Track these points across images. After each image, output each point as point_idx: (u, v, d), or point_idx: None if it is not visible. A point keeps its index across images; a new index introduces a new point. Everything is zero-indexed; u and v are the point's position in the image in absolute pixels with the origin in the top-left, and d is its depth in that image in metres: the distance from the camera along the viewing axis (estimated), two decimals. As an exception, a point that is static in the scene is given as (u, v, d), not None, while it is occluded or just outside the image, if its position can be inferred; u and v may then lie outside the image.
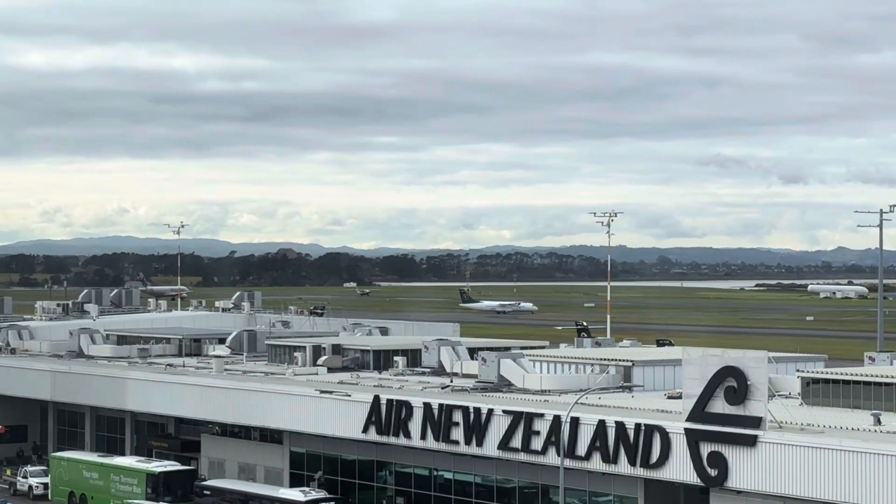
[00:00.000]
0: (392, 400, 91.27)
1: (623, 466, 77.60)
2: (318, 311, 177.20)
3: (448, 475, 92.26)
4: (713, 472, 73.05)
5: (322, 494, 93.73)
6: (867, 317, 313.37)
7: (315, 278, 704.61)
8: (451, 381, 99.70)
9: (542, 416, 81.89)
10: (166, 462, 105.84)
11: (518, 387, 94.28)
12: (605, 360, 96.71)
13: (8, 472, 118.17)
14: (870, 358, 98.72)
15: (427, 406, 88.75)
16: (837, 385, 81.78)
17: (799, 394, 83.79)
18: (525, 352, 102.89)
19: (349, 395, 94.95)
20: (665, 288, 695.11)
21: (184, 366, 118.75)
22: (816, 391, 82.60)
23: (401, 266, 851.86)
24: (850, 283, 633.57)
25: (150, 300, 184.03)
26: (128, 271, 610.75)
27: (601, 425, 78.46)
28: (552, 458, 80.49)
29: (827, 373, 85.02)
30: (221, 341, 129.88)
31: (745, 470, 71.84)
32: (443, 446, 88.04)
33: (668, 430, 75.28)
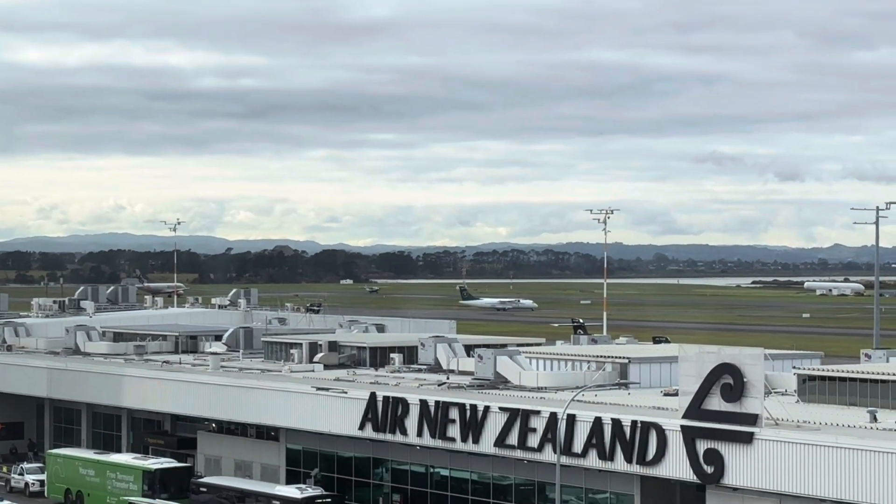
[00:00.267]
0: (388, 397, 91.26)
1: (619, 464, 77.62)
2: (315, 308, 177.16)
3: (444, 472, 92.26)
4: (709, 470, 73.06)
5: (318, 491, 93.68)
6: (863, 314, 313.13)
7: (311, 275, 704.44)
8: (448, 379, 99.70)
9: (538, 413, 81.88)
10: (163, 459, 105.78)
11: (514, 384, 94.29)
12: (601, 357, 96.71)
13: (3, 470, 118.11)
14: (866, 355, 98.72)
15: (423, 403, 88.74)
16: (834, 382, 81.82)
17: (795, 391, 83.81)
18: (521, 349, 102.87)
19: (345, 393, 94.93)
20: (661, 285, 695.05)
21: (180, 363, 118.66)
22: (813, 388, 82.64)
23: (397, 263, 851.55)
24: (846, 281, 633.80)
25: (146, 297, 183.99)
26: (124, 268, 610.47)
27: (597, 422, 78.46)
28: (548, 455, 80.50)
29: (823, 370, 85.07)
30: (218, 338, 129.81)
31: (741, 467, 71.86)
32: (439, 443, 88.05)
33: (664, 428, 75.28)
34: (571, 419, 79.24)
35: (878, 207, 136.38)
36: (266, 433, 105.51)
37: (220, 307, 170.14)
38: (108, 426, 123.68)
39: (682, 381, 75.44)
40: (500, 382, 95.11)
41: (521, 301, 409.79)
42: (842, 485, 67.68)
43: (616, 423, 77.65)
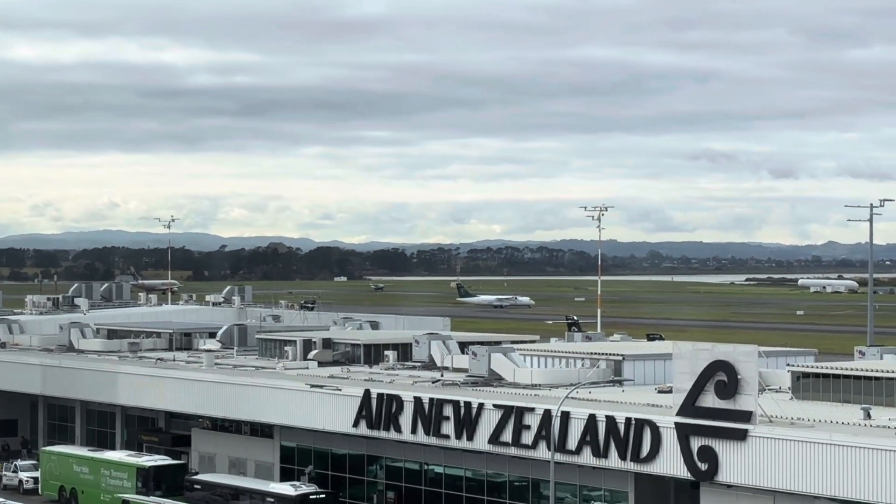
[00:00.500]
0: (382, 394, 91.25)
1: (613, 461, 77.64)
2: (309, 305, 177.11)
3: (438, 469, 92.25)
4: (703, 467, 73.08)
5: (313, 489, 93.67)
6: (857, 311, 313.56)
7: (306, 272, 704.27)
8: (442, 376, 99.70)
9: (532, 410, 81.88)
10: (157, 456, 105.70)
11: (508, 381, 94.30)
12: (595, 354, 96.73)
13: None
14: (860, 352, 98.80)
15: (417, 400, 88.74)
16: (828, 379, 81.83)
17: (789, 388, 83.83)
18: (516, 346, 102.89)
19: (340, 390, 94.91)
20: (655, 282, 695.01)
21: (174, 360, 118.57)
22: (807, 385, 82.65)
23: (391, 260, 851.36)
24: (840, 278, 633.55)
25: (140, 294, 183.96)
26: (118, 265, 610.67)
27: (591, 420, 78.46)
28: (543, 452, 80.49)
29: (817, 367, 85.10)
30: (212, 335, 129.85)
31: (735, 464, 71.88)
32: (433, 440, 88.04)
33: (658, 425, 75.29)
34: (566, 416, 79.24)
35: (872, 205, 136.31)
36: (260, 430, 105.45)
37: (215, 304, 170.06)
38: (102, 423, 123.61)
39: (676, 379, 75.46)
40: (494, 379, 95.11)
41: (519, 298, 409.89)
42: (836, 482, 67.72)
43: (610, 421, 77.64)
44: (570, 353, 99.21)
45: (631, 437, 76.45)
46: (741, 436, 71.40)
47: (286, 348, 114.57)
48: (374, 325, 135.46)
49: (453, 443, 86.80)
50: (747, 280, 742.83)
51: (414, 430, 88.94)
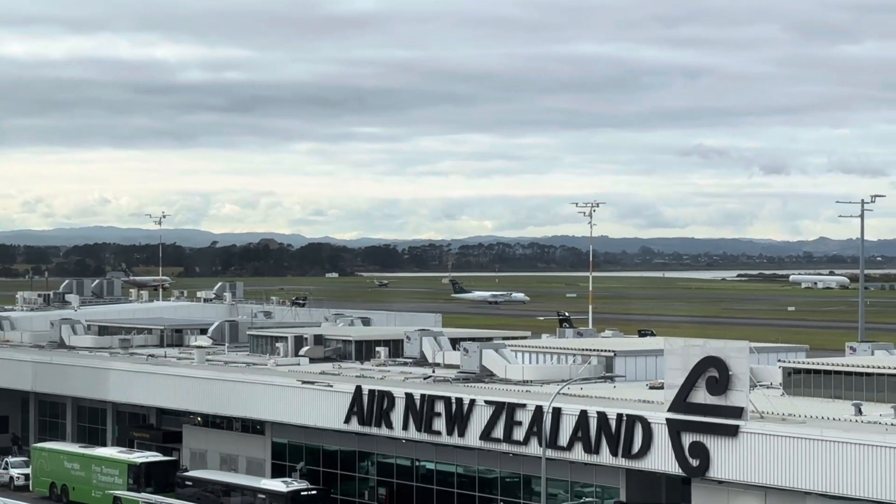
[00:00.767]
0: (374, 390, 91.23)
1: (605, 457, 77.65)
2: (300, 301, 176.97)
3: (430, 466, 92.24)
4: (695, 463, 73.12)
5: (304, 485, 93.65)
6: (848, 307, 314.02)
7: (297, 269, 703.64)
8: (433, 372, 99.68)
9: (523, 406, 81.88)
10: (148, 453, 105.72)
11: (500, 377, 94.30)
12: (587, 350, 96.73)
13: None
14: (851, 348, 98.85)
15: (409, 396, 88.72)
16: (819, 375, 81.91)
17: (780, 384, 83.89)
18: (507, 342, 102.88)
19: (331, 386, 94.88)
20: (647, 278, 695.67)
21: (165, 356, 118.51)
22: (798, 381, 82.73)
23: (383, 256, 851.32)
24: (831, 274, 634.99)
25: (131, 291, 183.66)
26: (109, 262, 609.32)
27: (583, 416, 78.48)
28: (534, 448, 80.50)
29: (808, 363, 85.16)
30: (203, 332, 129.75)
31: (726, 460, 71.91)
32: (425, 437, 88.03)
33: (649, 421, 75.31)
34: (557, 412, 79.24)
35: (863, 200, 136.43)
36: (251, 427, 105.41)
37: (206, 301, 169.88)
38: (93, 420, 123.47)
39: (667, 375, 75.47)
40: (485, 376, 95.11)
41: (514, 294, 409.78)
42: (827, 477, 67.77)
43: (601, 417, 77.67)
44: (561, 349, 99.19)
45: (622, 433, 76.47)
46: (732, 432, 71.43)
47: (277, 345, 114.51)
48: (366, 322, 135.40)
49: (445, 439, 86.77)
50: (739, 276, 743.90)
51: (405, 427, 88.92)
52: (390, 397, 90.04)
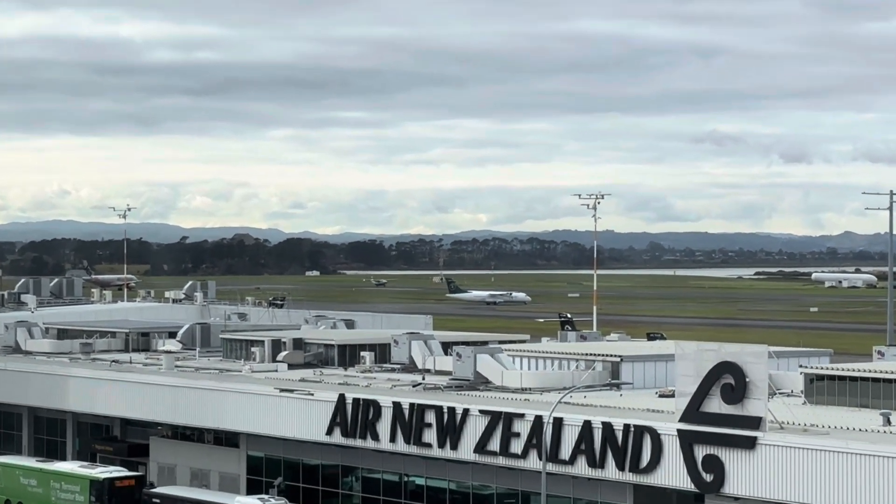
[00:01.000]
0: (358, 399, 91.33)
1: (610, 471, 77.80)
2: (278, 301, 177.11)
3: (420, 481, 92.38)
4: (708, 477, 73.27)
5: (282, 502, 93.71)
6: (876, 307, 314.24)
7: (274, 266, 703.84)
8: (423, 379, 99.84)
9: (522, 416, 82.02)
10: (111, 468, 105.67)
11: (496, 385, 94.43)
12: (591, 355, 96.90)
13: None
14: (879, 352, 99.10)
15: (397, 406, 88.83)
16: (843, 382, 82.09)
17: (802, 392, 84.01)
18: (504, 346, 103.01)
19: (312, 394, 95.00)
20: (656, 276, 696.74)
21: (131, 362, 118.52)
22: (821, 388, 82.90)
23: (368, 253, 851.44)
24: (857, 271, 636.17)
25: (93, 290, 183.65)
26: (69, 259, 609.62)
27: (587, 426, 78.62)
28: (533, 462, 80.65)
29: (832, 369, 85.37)
30: (172, 335, 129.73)
31: (743, 474, 72.07)
32: (414, 450, 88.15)
33: (659, 432, 75.46)
34: (558, 423, 79.37)
35: (892, 191, 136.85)
36: (225, 439, 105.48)
37: (175, 301, 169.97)
38: (51, 432, 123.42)
39: (678, 382, 75.62)
40: (480, 383, 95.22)
41: (514, 294, 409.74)
42: (852, 494, 67.91)
43: (607, 428, 77.80)
44: (563, 353, 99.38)
45: (630, 445, 76.61)
46: (749, 444, 71.57)
47: (253, 349, 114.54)
48: (350, 324, 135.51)
49: (436, 452, 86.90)
50: (756, 274, 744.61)
51: (393, 439, 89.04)
52: (376, 407, 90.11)
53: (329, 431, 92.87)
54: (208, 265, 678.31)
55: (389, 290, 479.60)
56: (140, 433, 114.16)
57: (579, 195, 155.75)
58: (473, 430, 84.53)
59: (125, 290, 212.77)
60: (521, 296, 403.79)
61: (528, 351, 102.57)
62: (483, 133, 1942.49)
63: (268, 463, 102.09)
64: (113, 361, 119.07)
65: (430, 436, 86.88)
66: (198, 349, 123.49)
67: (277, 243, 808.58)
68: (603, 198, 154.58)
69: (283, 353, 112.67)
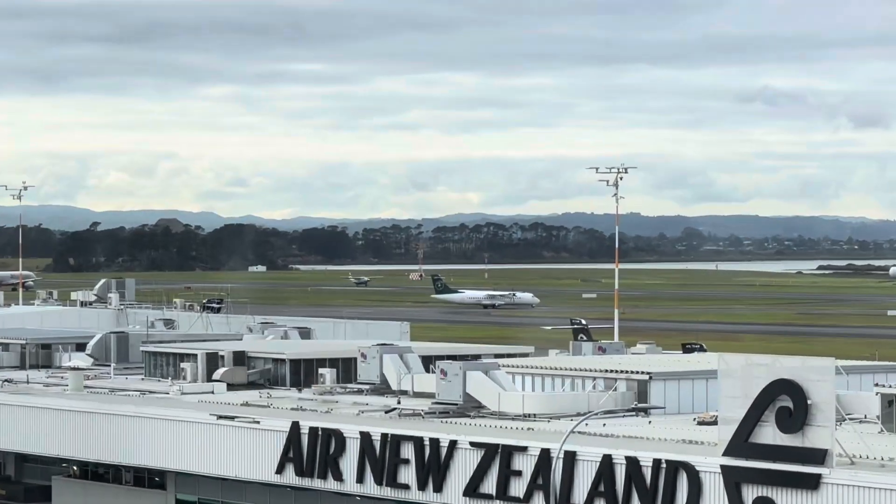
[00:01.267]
0: (316, 428, 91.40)
1: (637, 518, 78.02)
2: (214, 304, 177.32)
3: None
4: (760, 526, 73.52)
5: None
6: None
7: (209, 260, 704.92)
8: (399, 403, 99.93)
9: (524, 450, 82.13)
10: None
11: (491, 410, 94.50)
12: (611, 371, 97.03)
13: None
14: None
15: (365, 437, 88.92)
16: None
17: (878, 417, 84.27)
18: (501, 361, 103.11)
19: (258, 422, 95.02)
20: (693, 271, 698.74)
21: (28, 382, 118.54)
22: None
23: (327, 242, 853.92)
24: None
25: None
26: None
27: (607, 462, 78.74)
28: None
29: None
30: (80, 348, 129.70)
31: (804, 522, 72.29)
32: (387, 492, 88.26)
33: (698, 469, 75.60)
34: (571, 458, 79.48)
35: None
36: (148, 479, 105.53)
37: (84, 305, 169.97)
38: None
39: (722, 405, 75.74)
40: (471, 408, 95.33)
41: (518, 294, 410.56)
42: (942, 546, 68.17)
43: (632, 464, 77.93)
44: (576, 370, 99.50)
45: (660, 485, 76.76)
46: (812, 483, 71.74)
47: (183, 365, 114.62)
48: (305, 334, 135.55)
49: (415, 495, 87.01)
50: (820, 268, 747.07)
51: (360, 479, 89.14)
52: (339, 438, 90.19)
53: (280, 469, 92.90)
54: (126, 258, 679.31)
55: (356, 290, 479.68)
56: (40, 472, 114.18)
57: (596, 169, 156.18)
58: (463, 468, 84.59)
59: (20, 290, 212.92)
60: (527, 296, 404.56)
61: (531, 367, 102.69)
62: (473, 90, 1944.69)
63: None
64: (5, 381, 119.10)
65: (408, 475, 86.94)
66: (113, 365, 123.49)
67: (213, 230, 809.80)
68: (626, 172, 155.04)
69: (222, 371, 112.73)
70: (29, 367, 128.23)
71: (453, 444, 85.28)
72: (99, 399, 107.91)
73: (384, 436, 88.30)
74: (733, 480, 74.24)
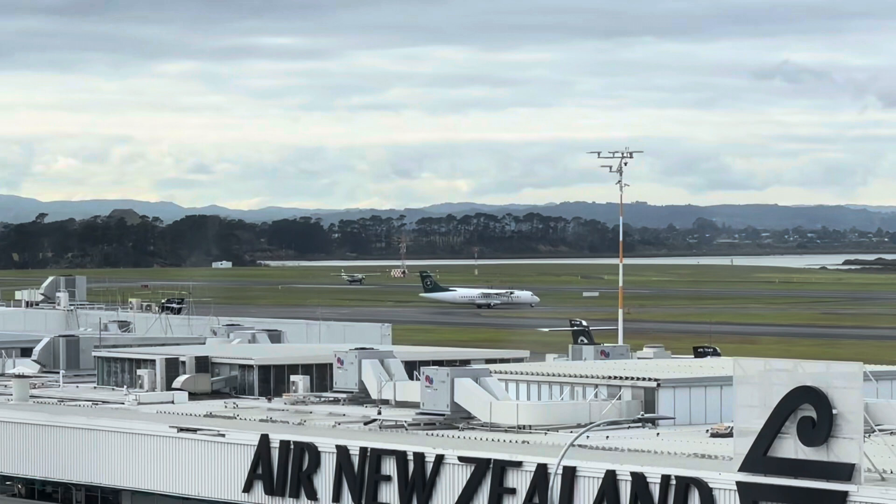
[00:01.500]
0: (288, 442, 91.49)
1: (644, 541, 78.15)
2: (174, 305, 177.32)
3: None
4: (781, 549, 73.64)
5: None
6: None
7: (169, 255, 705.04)
8: (379, 413, 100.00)
9: (519, 465, 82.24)
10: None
11: (482, 421, 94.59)
12: (615, 378, 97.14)
13: None
14: None
15: (342, 451, 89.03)
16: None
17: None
18: (493, 367, 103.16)
19: (223, 435, 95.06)
20: (706, 267, 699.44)
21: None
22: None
23: (300, 235, 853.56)
24: None
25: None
26: None
27: (610, 478, 78.87)
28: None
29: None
30: (26, 353, 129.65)
31: (829, 545, 72.40)
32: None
33: (711, 486, 75.75)
34: (570, 474, 79.59)
35: None
36: (101, 498, 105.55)
37: (29, 305, 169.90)
38: None
39: (738, 415, 75.87)
40: (460, 419, 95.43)
41: (516, 293, 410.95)
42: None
43: (638, 480, 78.06)
44: (576, 377, 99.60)
45: (670, 503, 76.87)
46: (838, 501, 71.85)
47: (140, 372, 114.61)
48: (275, 337, 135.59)
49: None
50: (846, 263, 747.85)
51: (337, 497, 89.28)
52: (313, 452, 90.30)
53: (247, 487, 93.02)
54: (76, 254, 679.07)
55: (330, 289, 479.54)
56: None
57: (598, 153, 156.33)
58: (451, 485, 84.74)
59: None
60: (525, 295, 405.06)
61: (527, 373, 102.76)
62: (461, 66, 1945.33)
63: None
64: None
65: (390, 493, 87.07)
66: (62, 372, 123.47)
67: (173, 222, 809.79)
68: (632, 156, 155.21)
69: (183, 378, 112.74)
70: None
71: (440, 459, 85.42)
72: (46, 410, 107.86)
73: (363, 450, 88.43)
74: (750, 499, 74.44)
